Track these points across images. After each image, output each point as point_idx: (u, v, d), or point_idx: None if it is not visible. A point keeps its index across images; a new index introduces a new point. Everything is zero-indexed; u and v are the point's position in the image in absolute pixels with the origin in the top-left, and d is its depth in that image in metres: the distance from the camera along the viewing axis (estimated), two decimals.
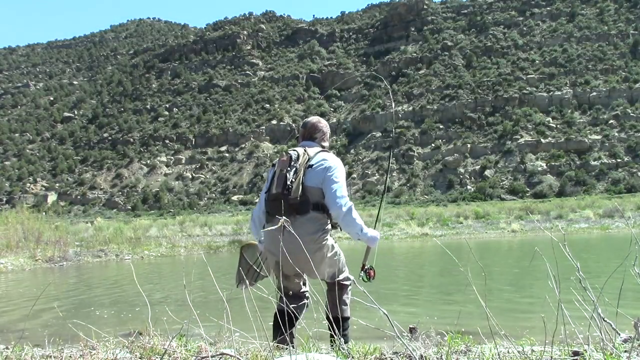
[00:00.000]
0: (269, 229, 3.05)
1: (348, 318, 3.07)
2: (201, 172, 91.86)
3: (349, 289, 3.16)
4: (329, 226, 3.18)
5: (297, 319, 3.20)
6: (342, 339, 2.76)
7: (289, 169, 3.10)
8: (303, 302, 3.29)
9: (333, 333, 2.83)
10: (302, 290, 3.33)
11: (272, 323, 2.61)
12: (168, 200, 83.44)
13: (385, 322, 1.70)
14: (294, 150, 3.24)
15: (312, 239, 3.03)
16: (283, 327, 2.91)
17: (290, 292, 3.21)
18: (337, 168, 3.15)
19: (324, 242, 3.05)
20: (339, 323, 2.87)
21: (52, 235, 12.62)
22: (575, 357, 1.63)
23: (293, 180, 3.05)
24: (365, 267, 3.11)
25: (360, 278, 3.04)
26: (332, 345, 2.76)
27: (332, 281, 3.17)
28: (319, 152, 3.20)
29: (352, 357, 1.77)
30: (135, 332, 2.21)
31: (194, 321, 2.08)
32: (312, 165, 3.12)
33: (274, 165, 3.30)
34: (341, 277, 3.19)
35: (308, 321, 2.02)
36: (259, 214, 3.31)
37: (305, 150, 3.20)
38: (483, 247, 13.45)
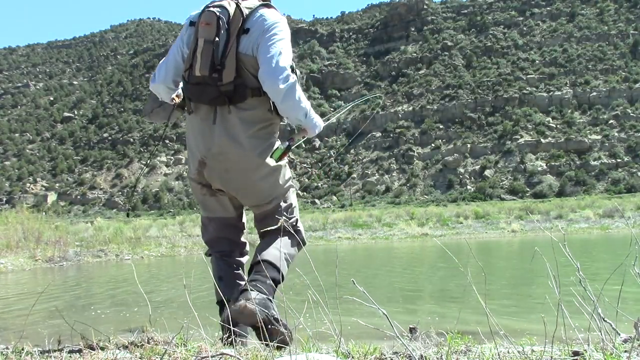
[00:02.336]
0: (193, 117, 2.34)
1: (281, 275, 2.27)
2: None
3: (300, 247, 2.44)
4: (277, 124, 2.41)
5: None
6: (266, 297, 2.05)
7: (217, 38, 2.22)
8: (241, 259, 2.54)
9: (248, 284, 2.11)
10: (240, 233, 2.55)
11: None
12: (168, 200, 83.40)
13: (385, 322, 1.70)
14: (219, 5, 2.27)
15: (250, 142, 2.28)
16: (223, 298, 2.19)
17: (225, 236, 2.49)
18: (279, 26, 2.26)
19: (268, 145, 2.32)
20: (264, 270, 2.17)
21: (52, 235, 12.63)
22: (575, 357, 1.63)
23: (224, 56, 2.22)
24: (289, 143, 2.33)
25: (276, 150, 2.30)
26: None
27: (273, 220, 2.37)
28: (259, 6, 2.31)
29: (352, 357, 1.77)
30: (136, 332, 2.22)
31: (194, 321, 2.08)
32: (248, 29, 2.25)
33: (192, 23, 2.33)
34: (292, 219, 2.44)
35: (308, 320, 2.02)
36: (165, 90, 2.39)
37: (237, 5, 2.27)
38: (483, 247, 13.46)
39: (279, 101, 2.20)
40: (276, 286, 2.21)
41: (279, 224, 2.28)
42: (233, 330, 1.96)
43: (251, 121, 2.28)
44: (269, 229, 2.42)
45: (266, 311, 2.03)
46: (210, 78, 2.24)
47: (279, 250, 2.30)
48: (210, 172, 2.34)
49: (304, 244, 2.47)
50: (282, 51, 2.20)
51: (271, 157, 2.30)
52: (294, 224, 2.47)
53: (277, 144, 2.36)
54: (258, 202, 2.43)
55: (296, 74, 2.27)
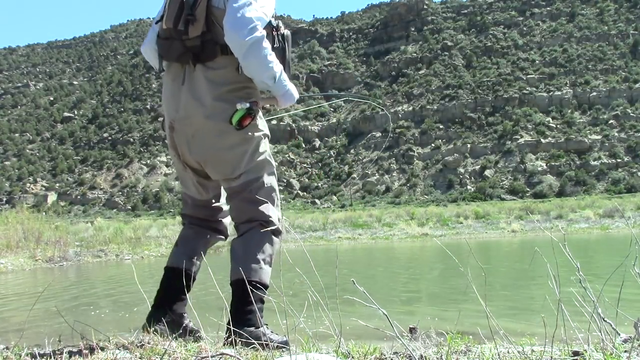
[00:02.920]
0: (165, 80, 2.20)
1: (264, 286, 2.11)
2: None
3: (276, 236, 2.20)
4: (254, 89, 2.16)
5: (193, 278, 2.29)
6: (249, 328, 1.96)
7: None
8: (213, 235, 2.38)
9: (230, 310, 2.01)
10: (216, 214, 2.35)
11: (272, 322, 2.31)
12: (168, 200, 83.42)
13: (385, 322, 1.70)
14: None
15: (215, 105, 2.07)
16: (168, 285, 2.17)
17: (197, 215, 2.33)
18: None
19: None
20: (245, 291, 1.97)
21: (52, 235, 12.62)
22: (575, 357, 1.63)
23: (194, 7, 2.03)
24: (250, 104, 2.05)
25: (236, 111, 2.03)
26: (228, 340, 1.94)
27: (243, 202, 2.17)
28: None
29: (352, 357, 1.77)
30: (136, 332, 2.22)
31: (194, 321, 2.08)
32: None
33: None
34: (263, 204, 2.15)
35: (308, 320, 2.02)
36: (151, 51, 2.27)
37: None
38: (483, 247, 13.46)
39: (241, 56, 1.98)
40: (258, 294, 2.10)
41: (265, 227, 2.11)
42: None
43: (219, 82, 2.08)
44: (243, 224, 2.20)
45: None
46: (175, 31, 2.08)
47: (251, 261, 2.12)
48: (179, 137, 2.18)
49: (280, 233, 2.24)
50: (253, 2, 2.00)
51: (230, 120, 2.03)
52: (266, 213, 2.17)
53: (239, 105, 2.05)
54: (224, 175, 2.19)
55: (279, 36, 2.11)
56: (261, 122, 2.23)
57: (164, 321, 2.13)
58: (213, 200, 2.36)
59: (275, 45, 2.12)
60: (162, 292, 2.24)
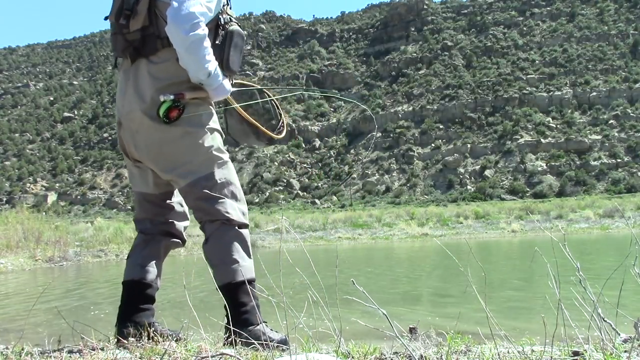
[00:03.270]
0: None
1: (250, 281, 2.11)
2: None
3: (243, 229, 2.14)
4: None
5: (150, 286, 2.19)
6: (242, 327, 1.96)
7: None
8: (169, 241, 2.29)
9: (229, 316, 2.01)
10: (166, 212, 2.28)
11: (272, 322, 2.27)
12: None
13: (385, 322, 1.70)
14: None
15: (155, 99, 2.03)
16: (130, 295, 2.11)
17: (147, 216, 2.27)
18: None
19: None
20: (234, 294, 2.04)
21: (52, 235, 12.62)
22: (575, 357, 1.63)
23: (136, 0, 2.02)
24: (175, 96, 1.97)
25: (162, 104, 1.96)
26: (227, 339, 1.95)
27: (199, 204, 2.11)
28: None
29: (352, 357, 1.77)
30: (135, 332, 2.21)
31: (194, 321, 2.08)
32: None
33: None
34: (232, 209, 2.10)
35: (309, 320, 2.02)
36: None
37: None
38: (483, 247, 13.46)
39: (181, 51, 1.96)
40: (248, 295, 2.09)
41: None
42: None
43: (161, 76, 2.05)
44: (207, 225, 2.14)
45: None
46: (118, 25, 2.07)
47: (228, 261, 2.08)
48: (125, 134, 2.15)
49: (245, 226, 2.17)
50: None
51: (157, 114, 1.96)
52: (225, 210, 2.11)
53: (162, 97, 1.97)
54: (168, 173, 2.13)
55: (224, 32, 2.08)
56: (208, 117, 2.15)
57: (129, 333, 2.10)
58: (163, 197, 2.29)
59: (217, 42, 2.10)
60: (122, 307, 2.20)
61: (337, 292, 1.83)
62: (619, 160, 71.27)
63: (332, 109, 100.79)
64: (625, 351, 1.66)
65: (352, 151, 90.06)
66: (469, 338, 1.99)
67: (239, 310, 2.06)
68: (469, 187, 72.91)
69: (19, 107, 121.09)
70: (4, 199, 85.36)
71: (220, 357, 1.74)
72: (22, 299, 5.71)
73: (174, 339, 2.05)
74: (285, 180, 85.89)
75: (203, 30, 1.95)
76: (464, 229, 22.19)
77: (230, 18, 2.15)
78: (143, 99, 2.05)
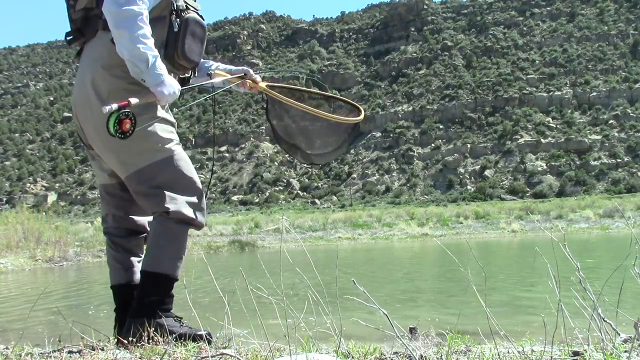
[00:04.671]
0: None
1: (167, 278, 2.06)
2: (201, 172, 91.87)
3: (182, 224, 2.07)
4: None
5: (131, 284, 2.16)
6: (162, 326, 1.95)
7: None
8: (137, 238, 2.22)
9: (139, 304, 2.01)
10: (124, 211, 2.20)
11: (272, 322, 2.23)
12: None
13: (385, 322, 1.70)
14: None
15: (93, 85, 1.96)
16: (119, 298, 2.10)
17: (109, 211, 2.20)
18: None
19: (119, 93, 1.92)
20: (147, 282, 2.03)
21: (52, 235, 12.62)
22: (575, 357, 1.63)
23: None
24: (124, 108, 1.79)
25: (109, 118, 1.78)
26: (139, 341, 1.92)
27: (140, 197, 2.06)
28: None
29: (352, 357, 1.77)
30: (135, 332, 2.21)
31: (194, 321, 2.08)
32: None
33: None
34: (172, 203, 2.01)
35: (308, 321, 2.02)
36: None
37: None
38: (483, 247, 13.46)
39: (112, 25, 1.83)
40: (164, 291, 2.08)
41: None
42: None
43: (99, 59, 1.96)
44: (153, 218, 2.09)
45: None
46: (68, 5, 2.02)
47: (154, 254, 2.06)
48: (76, 121, 2.11)
49: (187, 222, 2.08)
50: None
51: (108, 130, 1.81)
52: (164, 204, 2.02)
53: (105, 109, 1.77)
54: (111, 163, 2.08)
55: (178, 20, 1.96)
56: (148, 105, 2.01)
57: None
58: (121, 187, 2.20)
59: (175, 29, 2.00)
60: (119, 311, 2.22)
61: (337, 292, 1.83)
62: (619, 160, 71.28)
63: (331, 109, 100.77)
64: (625, 351, 1.66)
65: (352, 151, 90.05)
66: (469, 338, 1.99)
67: (144, 300, 2.05)
68: (469, 187, 72.91)
69: (19, 107, 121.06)
70: (4, 199, 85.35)
71: (220, 357, 1.75)
72: (22, 299, 5.71)
73: (204, 340, 2.02)
74: (285, 180, 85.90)
75: (139, 8, 1.84)
76: (464, 229, 22.19)
77: (186, 6, 2.05)
78: (84, 84, 2.00)
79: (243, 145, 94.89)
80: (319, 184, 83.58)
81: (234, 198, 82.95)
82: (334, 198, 78.03)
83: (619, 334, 1.94)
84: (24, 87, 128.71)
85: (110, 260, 2.28)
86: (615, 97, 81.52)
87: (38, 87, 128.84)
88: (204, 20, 2.13)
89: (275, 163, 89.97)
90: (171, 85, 1.90)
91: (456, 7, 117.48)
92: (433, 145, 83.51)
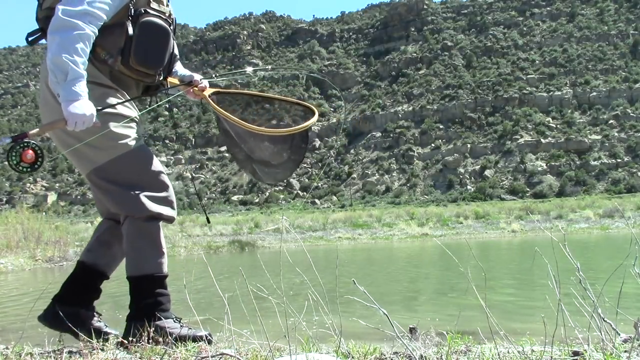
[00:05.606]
0: None
1: (160, 277, 2.08)
2: (201, 172, 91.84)
3: (151, 221, 2.04)
4: (101, 77, 1.98)
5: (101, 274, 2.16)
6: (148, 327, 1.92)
7: None
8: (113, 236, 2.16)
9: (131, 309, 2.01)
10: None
11: (272, 322, 2.18)
12: None
13: (384, 322, 1.70)
14: None
15: (43, 88, 1.97)
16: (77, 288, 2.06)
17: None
18: None
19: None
20: (136, 286, 2.05)
21: (52, 235, 12.61)
22: (575, 357, 1.63)
23: None
24: (22, 139, 1.72)
25: (7, 153, 1.71)
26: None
27: (103, 196, 2.04)
28: None
29: (352, 357, 1.77)
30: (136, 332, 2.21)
31: (194, 321, 2.08)
32: None
33: None
34: (136, 203, 1.99)
35: (308, 321, 2.02)
36: None
37: None
38: (483, 247, 13.46)
39: (49, 28, 1.82)
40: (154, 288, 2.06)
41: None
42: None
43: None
44: (121, 218, 2.07)
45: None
46: (38, 3, 2.04)
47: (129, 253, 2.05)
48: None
49: (155, 218, 2.05)
50: None
51: (9, 163, 1.73)
52: (126, 204, 2.01)
53: (3, 142, 1.74)
54: (72, 161, 2.10)
55: (135, 24, 1.90)
56: (99, 101, 1.95)
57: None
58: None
59: (130, 34, 1.95)
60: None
61: (338, 292, 1.83)
62: (619, 160, 71.29)
63: (332, 109, 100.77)
64: (625, 351, 1.66)
65: (352, 151, 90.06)
66: (469, 338, 1.99)
67: (140, 304, 2.06)
68: (469, 187, 72.92)
69: (19, 107, 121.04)
70: (4, 199, 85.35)
71: (220, 357, 1.75)
72: (22, 298, 5.71)
73: (205, 340, 2.03)
74: (285, 180, 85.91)
75: (86, 26, 1.80)
76: (464, 229, 22.18)
77: (144, 10, 1.99)
78: (42, 84, 2.00)
79: (243, 146, 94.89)
80: (319, 184, 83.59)
81: (234, 198, 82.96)
82: (334, 198, 78.04)
83: (619, 334, 1.94)
84: (24, 87, 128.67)
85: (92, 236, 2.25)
86: (615, 97, 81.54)
87: (38, 87, 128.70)
88: (171, 23, 2.09)
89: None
90: (85, 107, 1.78)
91: (456, 7, 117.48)
92: (433, 145, 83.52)
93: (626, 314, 1.94)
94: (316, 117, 2.29)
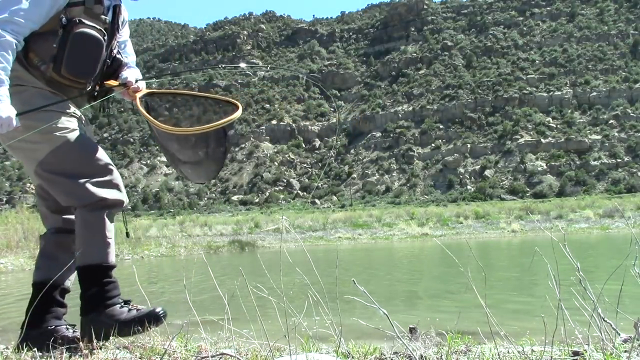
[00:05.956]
0: None
1: (106, 267, 2.10)
2: None
3: (96, 210, 2.04)
4: (24, 78, 2.02)
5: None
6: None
7: None
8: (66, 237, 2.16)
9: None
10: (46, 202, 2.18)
11: (272, 322, 2.21)
12: (168, 200, 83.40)
13: (385, 322, 1.70)
14: None
15: None
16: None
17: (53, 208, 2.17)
18: None
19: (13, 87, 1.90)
20: (89, 276, 2.09)
21: None
22: (575, 357, 1.63)
23: None
24: None
25: None
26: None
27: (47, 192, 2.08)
28: None
29: (352, 357, 1.77)
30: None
31: (194, 321, 2.08)
32: None
33: None
34: (77, 192, 2.02)
35: (308, 321, 2.02)
36: None
37: None
38: (483, 247, 13.46)
39: None
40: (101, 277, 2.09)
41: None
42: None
43: None
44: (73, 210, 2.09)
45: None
46: None
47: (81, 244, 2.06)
48: None
49: (100, 205, 2.05)
50: None
51: None
52: (69, 194, 2.04)
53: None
54: (23, 164, 2.15)
55: (67, 34, 1.94)
56: (28, 99, 2.00)
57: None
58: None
59: (61, 43, 1.98)
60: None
61: (338, 292, 1.83)
62: (619, 160, 71.28)
63: (332, 109, 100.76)
64: (625, 351, 1.66)
65: (352, 151, 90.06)
66: (469, 338, 1.99)
67: (87, 295, 2.11)
68: (469, 187, 72.91)
69: None
70: (4, 199, 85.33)
71: (220, 357, 1.75)
72: (22, 299, 5.71)
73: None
74: (285, 180, 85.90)
75: (7, 34, 1.86)
76: (464, 229, 22.19)
77: (79, 20, 2.01)
78: None
79: (243, 145, 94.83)
80: (319, 184, 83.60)
81: (234, 198, 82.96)
82: (334, 198, 78.04)
83: (619, 334, 1.94)
84: None
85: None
86: (615, 97, 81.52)
87: None
88: (103, 35, 2.10)
89: (275, 163, 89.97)
90: (3, 111, 1.82)
91: (456, 7, 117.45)
92: (433, 145, 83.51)
93: (626, 314, 1.94)
94: (238, 113, 2.21)
